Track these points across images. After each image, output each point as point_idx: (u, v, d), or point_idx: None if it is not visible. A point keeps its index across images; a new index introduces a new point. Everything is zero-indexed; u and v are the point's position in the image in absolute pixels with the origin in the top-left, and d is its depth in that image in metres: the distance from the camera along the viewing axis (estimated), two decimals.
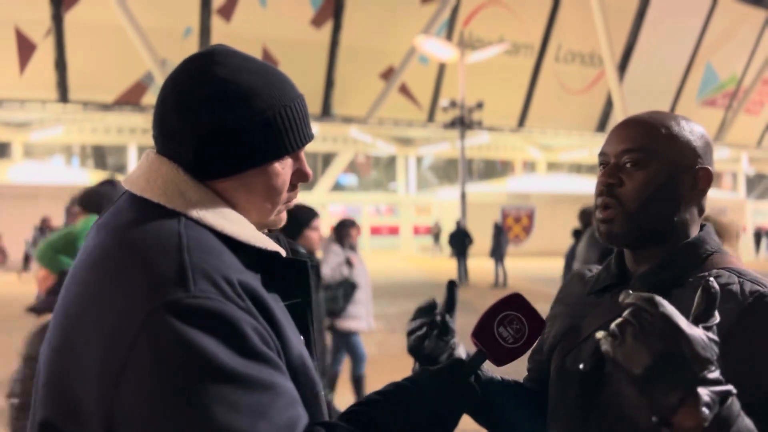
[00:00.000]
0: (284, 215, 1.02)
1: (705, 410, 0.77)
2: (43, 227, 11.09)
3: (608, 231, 1.11)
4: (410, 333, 1.21)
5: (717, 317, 0.84)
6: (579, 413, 1.11)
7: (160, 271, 0.81)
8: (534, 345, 1.04)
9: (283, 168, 0.96)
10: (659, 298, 0.82)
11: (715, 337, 0.82)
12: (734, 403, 0.81)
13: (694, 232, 1.13)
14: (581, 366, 1.13)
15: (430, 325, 1.19)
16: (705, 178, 1.10)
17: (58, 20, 21.91)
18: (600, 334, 0.86)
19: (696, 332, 0.81)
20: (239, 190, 0.94)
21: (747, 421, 0.82)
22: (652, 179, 1.08)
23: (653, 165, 1.08)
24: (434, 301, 1.24)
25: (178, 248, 0.83)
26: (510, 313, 1.02)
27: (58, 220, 20.19)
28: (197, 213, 0.89)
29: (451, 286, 1.24)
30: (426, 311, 1.22)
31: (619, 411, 1.05)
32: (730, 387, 0.81)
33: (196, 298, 0.79)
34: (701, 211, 1.14)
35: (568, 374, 1.16)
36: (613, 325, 0.84)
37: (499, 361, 1.02)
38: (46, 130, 24.74)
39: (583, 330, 1.17)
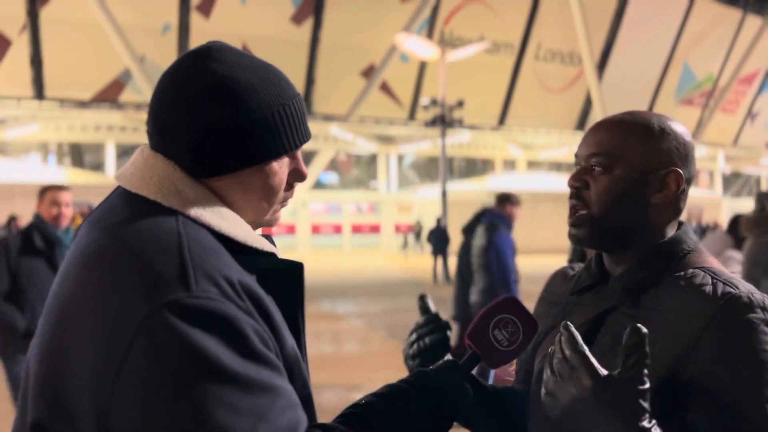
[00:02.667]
0: (279, 214, 1.01)
1: None
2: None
3: (575, 233, 1.14)
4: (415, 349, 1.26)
5: (645, 366, 0.87)
6: None
7: (161, 270, 0.79)
8: (527, 347, 1.05)
9: (281, 167, 0.95)
10: (589, 360, 0.89)
11: (642, 388, 0.86)
12: None
13: (671, 232, 1.14)
14: None
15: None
16: (675, 181, 1.10)
17: (33, 16, 21.59)
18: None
19: (615, 393, 0.86)
20: (236, 189, 0.93)
21: None
22: (615, 183, 1.09)
23: (618, 169, 1.09)
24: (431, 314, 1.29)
25: (178, 247, 0.82)
26: (505, 316, 1.02)
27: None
28: (194, 211, 0.87)
29: (423, 299, 1.31)
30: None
31: None
32: None
33: (198, 298, 0.77)
34: (677, 211, 1.14)
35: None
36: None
37: (493, 364, 1.02)
38: (22, 127, 24.37)
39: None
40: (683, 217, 1.18)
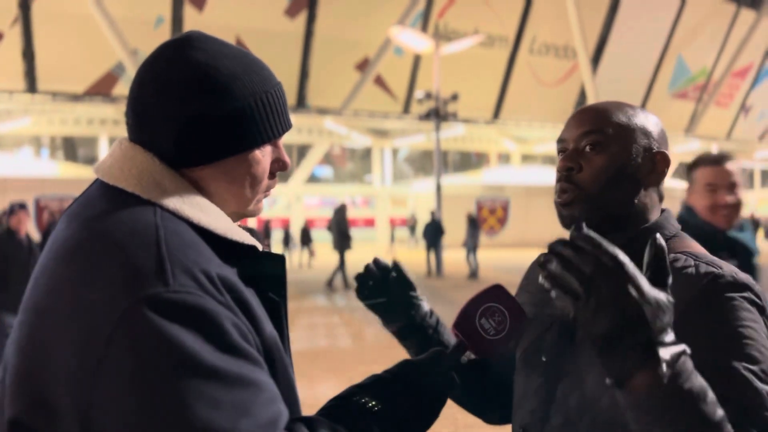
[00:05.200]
0: (262, 204, 1.00)
1: (665, 370, 0.76)
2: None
3: (570, 215, 1.12)
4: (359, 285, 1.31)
5: (670, 277, 0.81)
6: (541, 403, 1.12)
7: (138, 265, 0.78)
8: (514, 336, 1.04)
9: (264, 155, 0.95)
10: (623, 258, 0.78)
11: (671, 299, 0.80)
12: (687, 361, 0.79)
13: (654, 216, 1.14)
14: (543, 357, 1.14)
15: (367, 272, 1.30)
16: (662, 162, 1.12)
17: (25, 8, 21.45)
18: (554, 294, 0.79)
19: (657, 296, 0.78)
20: (219, 179, 0.92)
21: (699, 379, 0.80)
22: (611, 162, 1.09)
23: (612, 147, 1.10)
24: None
25: (156, 241, 0.81)
26: (492, 305, 1.02)
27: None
28: (173, 204, 0.86)
29: (396, 265, 1.32)
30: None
31: (580, 401, 1.06)
32: (684, 346, 0.80)
33: (176, 292, 0.76)
34: (661, 196, 1.15)
35: (531, 364, 1.17)
36: (576, 284, 0.77)
37: (480, 353, 1.02)
38: (14, 121, 24.24)
39: (545, 320, 1.18)
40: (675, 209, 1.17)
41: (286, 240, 19.90)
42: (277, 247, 20.99)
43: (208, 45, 0.92)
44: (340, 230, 13.83)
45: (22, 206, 5.73)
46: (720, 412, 0.79)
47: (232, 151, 0.91)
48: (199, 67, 0.89)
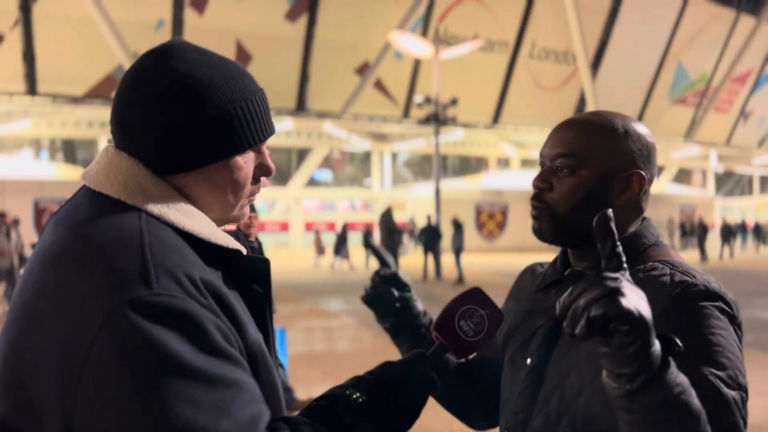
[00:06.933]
0: (247, 209, 1.01)
1: (669, 371, 0.78)
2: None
3: (538, 229, 1.16)
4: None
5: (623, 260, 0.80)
6: (525, 405, 1.15)
7: (122, 268, 0.80)
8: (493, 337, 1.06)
9: (246, 162, 0.96)
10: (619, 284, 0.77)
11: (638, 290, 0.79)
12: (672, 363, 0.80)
13: (632, 228, 1.15)
14: (528, 361, 1.17)
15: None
16: (638, 182, 1.11)
17: (26, 11, 21.50)
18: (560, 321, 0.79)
19: (639, 302, 0.76)
20: (201, 185, 0.94)
21: (682, 375, 0.82)
22: (580, 185, 1.11)
23: (583, 171, 1.11)
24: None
25: (140, 245, 0.82)
26: (470, 307, 1.04)
27: (24, 214, 19.82)
28: (158, 209, 0.88)
29: (366, 238, 1.35)
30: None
31: (560, 402, 1.08)
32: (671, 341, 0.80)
33: (159, 295, 0.78)
34: (639, 211, 1.15)
35: (517, 368, 1.20)
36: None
37: (459, 354, 1.04)
38: (14, 123, 24.27)
39: (531, 325, 1.21)
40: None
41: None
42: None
43: (187, 54, 0.93)
44: (390, 230, 14.75)
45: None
46: (699, 404, 0.82)
47: (213, 158, 0.92)
48: (177, 76, 0.90)
